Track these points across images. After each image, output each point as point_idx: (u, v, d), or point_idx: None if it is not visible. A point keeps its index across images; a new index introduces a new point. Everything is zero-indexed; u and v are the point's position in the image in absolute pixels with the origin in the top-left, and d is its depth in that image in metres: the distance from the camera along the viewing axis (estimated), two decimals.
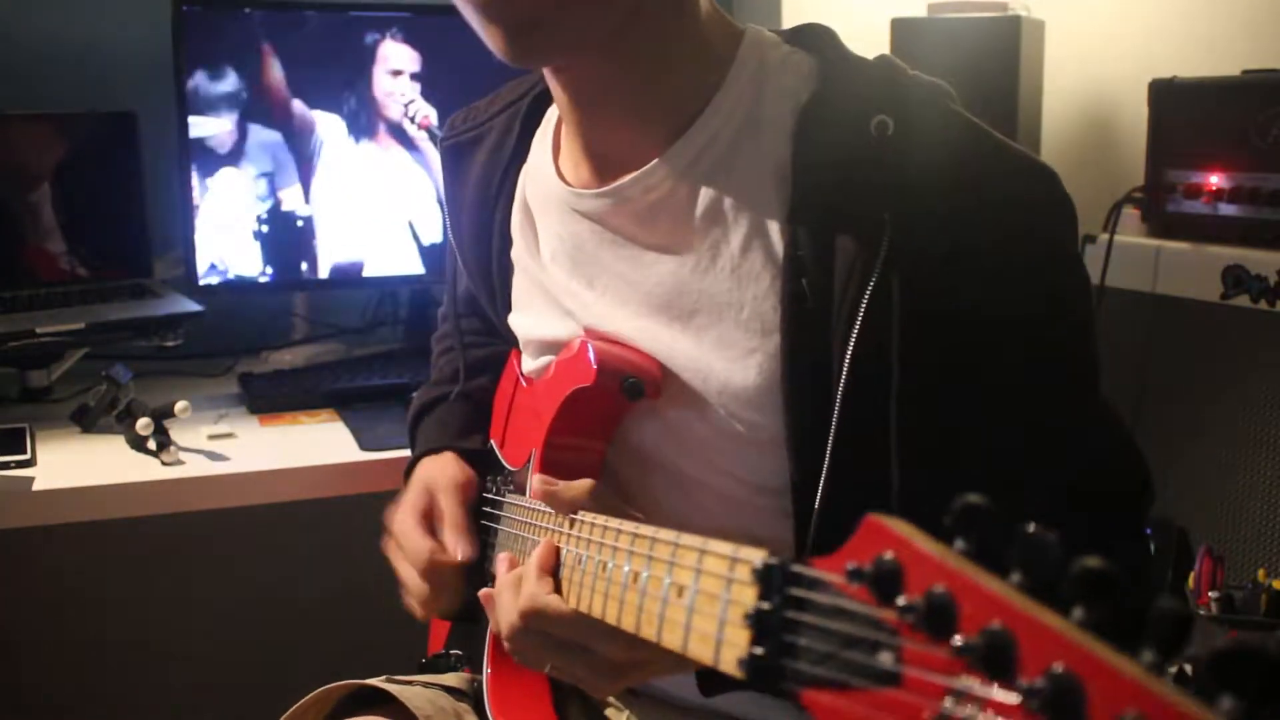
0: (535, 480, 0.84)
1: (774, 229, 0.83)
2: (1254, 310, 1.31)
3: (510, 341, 1.08)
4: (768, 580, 0.53)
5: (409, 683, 1.02)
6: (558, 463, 0.93)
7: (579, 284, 0.94)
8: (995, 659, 0.39)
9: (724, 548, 0.58)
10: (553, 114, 0.99)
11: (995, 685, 0.39)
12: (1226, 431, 1.36)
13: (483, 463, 1.07)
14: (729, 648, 0.55)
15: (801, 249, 0.81)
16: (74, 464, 1.38)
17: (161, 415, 1.40)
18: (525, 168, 1.01)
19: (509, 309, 1.05)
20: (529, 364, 1.02)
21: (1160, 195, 1.45)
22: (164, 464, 1.37)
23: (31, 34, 1.80)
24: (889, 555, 0.44)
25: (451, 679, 1.04)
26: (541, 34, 0.80)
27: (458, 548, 0.98)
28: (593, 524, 0.78)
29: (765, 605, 0.53)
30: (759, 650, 0.52)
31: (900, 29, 1.67)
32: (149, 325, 1.61)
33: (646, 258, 0.89)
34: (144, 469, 1.36)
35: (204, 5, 1.65)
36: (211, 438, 1.46)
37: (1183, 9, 1.66)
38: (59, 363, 1.64)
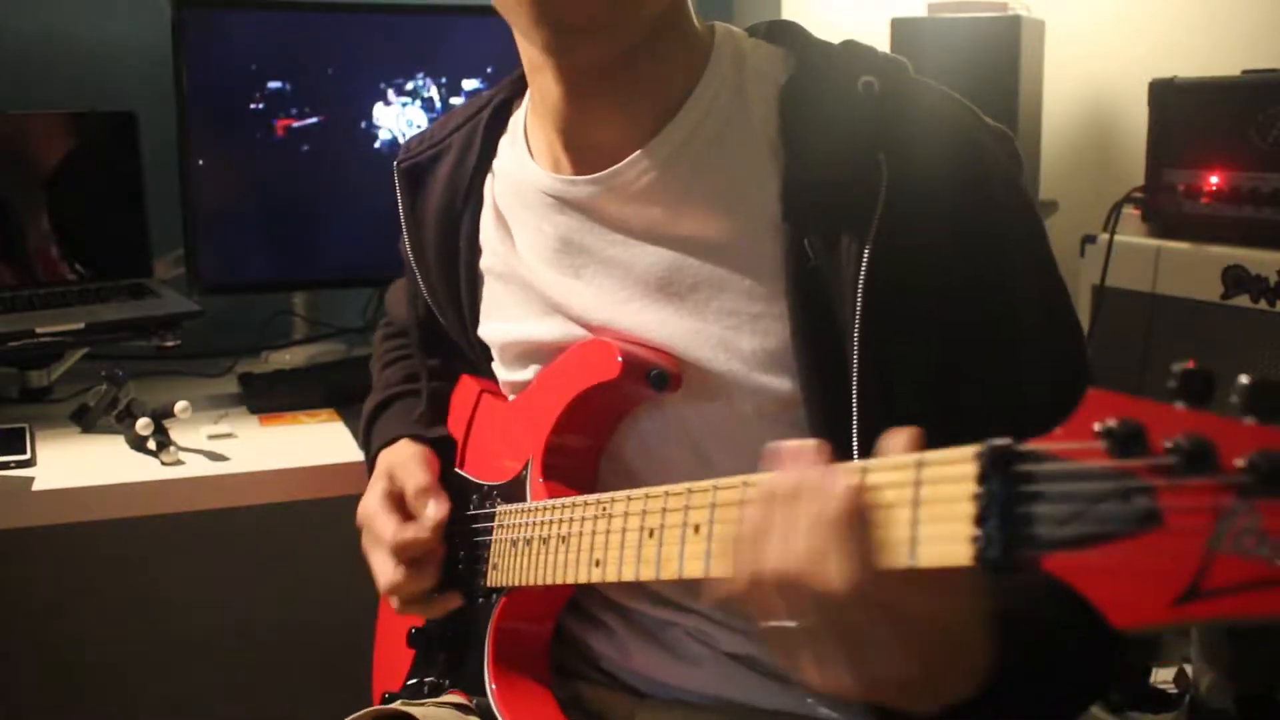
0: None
1: (771, 197, 0.85)
2: (1254, 310, 1.31)
3: (472, 362, 1.08)
4: (991, 463, 0.53)
5: (421, 704, 1.00)
6: (559, 464, 0.93)
7: (565, 276, 0.94)
8: (1274, 475, 0.43)
9: (946, 453, 0.57)
10: (518, 119, 1.01)
11: (1276, 498, 0.43)
12: None
13: (444, 456, 1.07)
14: (953, 541, 0.54)
15: (800, 212, 0.83)
16: (74, 464, 1.38)
17: (161, 415, 1.40)
18: (492, 175, 1.02)
19: (477, 323, 1.05)
20: (508, 374, 1.01)
21: (1160, 195, 1.45)
22: (164, 464, 1.37)
23: (31, 34, 1.80)
24: (1128, 417, 0.47)
25: (450, 699, 1.01)
26: (589, 38, 0.83)
27: (428, 509, 0.99)
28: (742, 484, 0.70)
29: (992, 484, 0.52)
30: (992, 526, 0.52)
31: (900, 29, 1.67)
32: (149, 325, 1.61)
33: (638, 242, 0.90)
34: (144, 469, 1.36)
35: (204, 5, 1.65)
36: (211, 438, 1.46)
37: (1183, 9, 1.66)
38: (59, 363, 1.64)
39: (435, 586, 1.00)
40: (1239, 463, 0.44)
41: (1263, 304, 1.30)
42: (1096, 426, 0.48)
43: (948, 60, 1.62)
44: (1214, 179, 1.39)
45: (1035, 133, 1.69)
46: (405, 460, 1.05)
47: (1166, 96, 1.44)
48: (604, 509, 0.83)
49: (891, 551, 0.58)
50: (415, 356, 1.15)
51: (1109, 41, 1.75)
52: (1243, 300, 1.32)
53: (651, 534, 0.76)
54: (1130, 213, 1.50)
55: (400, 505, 1.02)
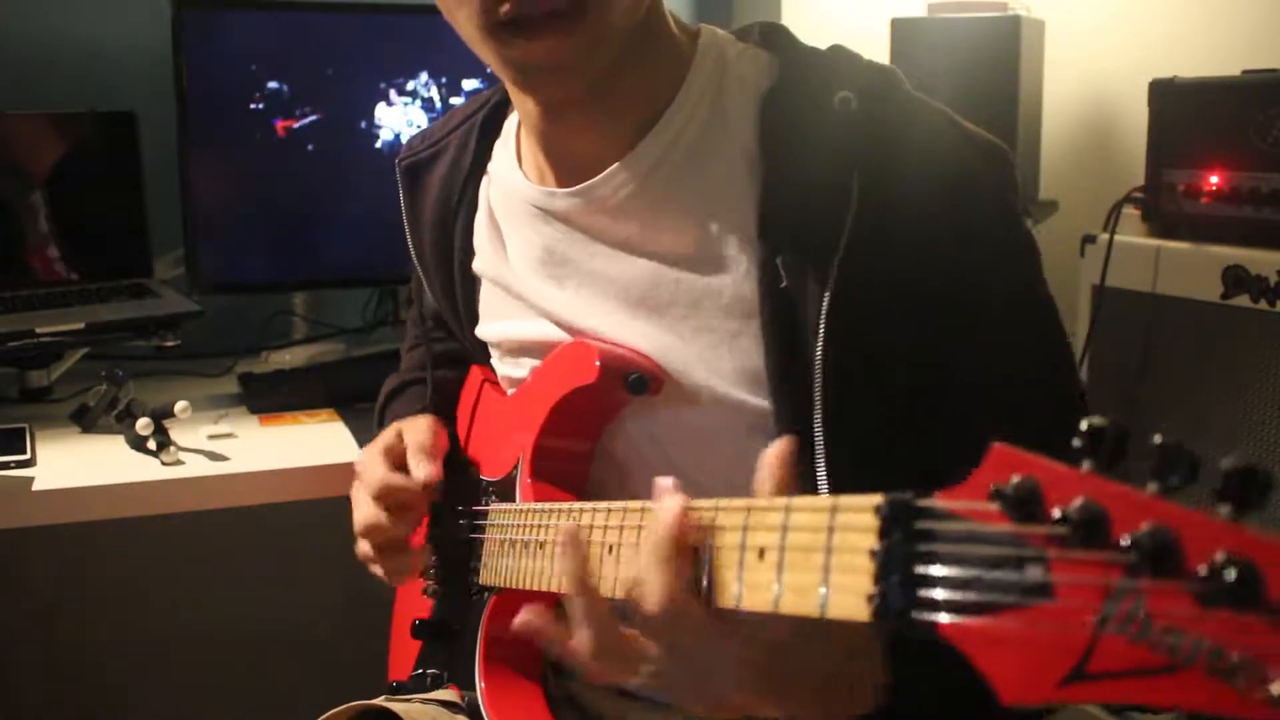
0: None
1: (748, 213, 0.84)
2: (1254, 310, 1.31)
3: (475, 355, 1.08)
4: (891, 518, 0.51)
5: (407, 700, 1.01)
6: (548, 466, 0.93)
7: (550, 286, 0.94)
8: (1160, 555, 0.40)
9: (855, 500, 0.55)
10: (512, 122, 1.01)
11: (1162, 579, 0.40)
12: (1227, 431, 1.35)
13: (452, 448, 1.08)
14: (855, 594, 0.52)
15: (775, 230, 0.82)
16: (74, 464, 1.38)
17: (161, 415, 1.40)
18: (487, 177, 1.02)
19: (475, 322, 1.05)
20: (506, 369, 1.02)
21: (1160, 195, 1.45)
22: (164, 464, 1.37)
23: (31, 34, 1.80)
24: (1026, 476, 0.44)
25: (442, 695, 1.02)
26: (557, 77, 0.83)
27: (420, 468, 1.00)
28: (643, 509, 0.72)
29: (893, 540, 0.50)
30: (892, 585, 0.50)
31: (900, 29, 1.67)
32: (149, 325, 1.61)
33: (619, 254, 0.90)
34: (144, 469, 1.36)
35: (204, 5, 1.65)
36: (211, 438, 1.46)
37: (1183, 9, 1.66)
38: (59, 363, 1.64)
39: (405, 539, 1.01)
40: (1125, 539, 0.41)
41: (1263, 304, 1.30)
42: (992, 486, 0.46)
43: (948, 60, 1.62)
44: (1214, 179, 1.39)
45: (1035, 133, 1.69)
46: (418, 421, 1.06)
47: (1166, 96, 1.44)
48: (573, 519, 0.82)
49: (804, 597, 0.56)
50: (424, 345, 1.17)
51: (1109, 41, 1.75)
52: (1243, 300, 1.32)
53: (611, 550, 0.75)
54: (1130, 213, 1.50)
55: (397, 460, 1.04)
